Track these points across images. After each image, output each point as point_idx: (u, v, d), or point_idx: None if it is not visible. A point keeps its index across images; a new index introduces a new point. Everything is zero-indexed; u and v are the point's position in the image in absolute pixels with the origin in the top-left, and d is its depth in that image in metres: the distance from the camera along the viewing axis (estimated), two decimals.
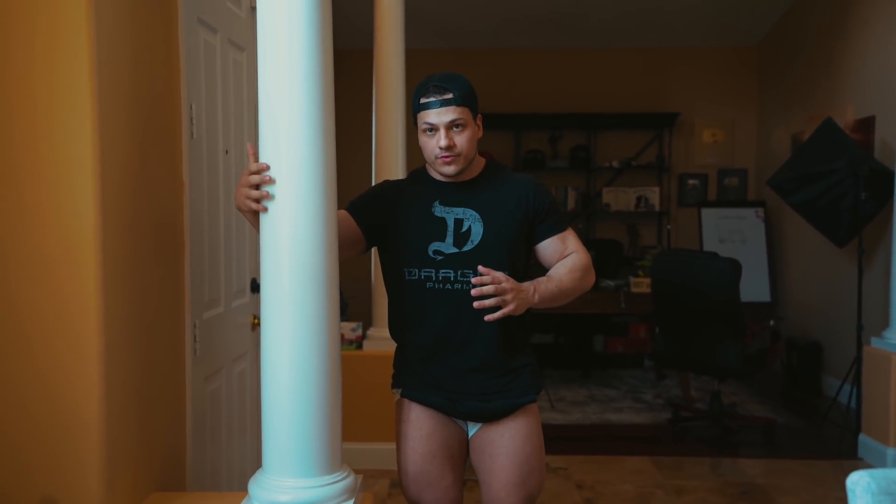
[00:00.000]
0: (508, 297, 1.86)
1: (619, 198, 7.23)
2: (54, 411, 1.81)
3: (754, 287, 6.64)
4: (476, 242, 1.98)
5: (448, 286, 1.98)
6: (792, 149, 6.43)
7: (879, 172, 4.76)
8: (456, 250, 1.99)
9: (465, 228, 1.99)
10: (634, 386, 6.05)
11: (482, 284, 1.85)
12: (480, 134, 2.01)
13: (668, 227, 7.14)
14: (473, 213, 2.00)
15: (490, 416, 2.02)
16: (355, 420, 3.98)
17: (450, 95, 1.93)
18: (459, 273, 1.98)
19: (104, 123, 1.83)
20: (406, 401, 2.08)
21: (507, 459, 2.01)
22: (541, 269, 2.12)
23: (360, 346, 4.26)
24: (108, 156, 1.85)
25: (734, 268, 4.46)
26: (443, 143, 1.93)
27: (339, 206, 1.91)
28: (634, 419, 5.13)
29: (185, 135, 2.33)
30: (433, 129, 1.95)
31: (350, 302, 4.92)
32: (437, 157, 1.96)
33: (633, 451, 4.45)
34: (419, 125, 1.99)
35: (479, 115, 2.02)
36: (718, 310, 4.50)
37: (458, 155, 1.96)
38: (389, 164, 4.18)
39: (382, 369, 4.00)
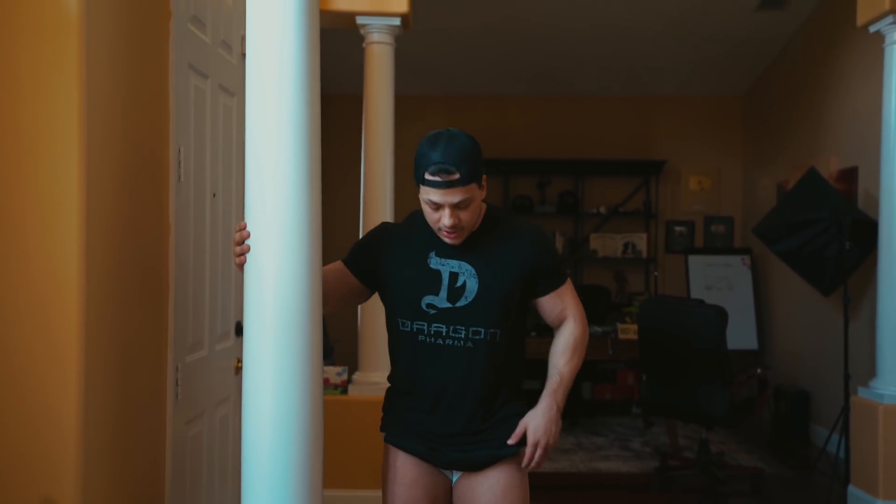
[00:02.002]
0: (546, 447, 1.96)
1: (606, 244, 7.27)
2: (31, 449, 1.78)
3: (741, 334, 6.65)
4: (469, 299, 1.94)
5: (440, 341, 1.95)
6: (777, 197, 6.51)
7: (863, 222, 4.81)
8: (449, 305, 1.94)
9: (459, 283, 1.95)
10: (622, 434, 6.01)
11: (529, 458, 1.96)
12: (485, 194, 1.94)
13: (656, 273, 7.16)
14: (469, 267, 1.95)
15: (470, 466, 2.00)
16: (340, 466, 3.93)
17: (456, 176, 1.83)
18: (452, 329, 1.94)
19: (91, 165, 1.83)
20: (391, 446, 2.06)
21: None
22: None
23: (345, 391, 4.22)
24: (94, 198, 1.85)
25: (720, 315, 4.47)
26: (447, 222, 1.87)
27: (324, 252, 1.91)
28: (622, 468, 5.08)
29: (173, 177, 2.33)
30: (438, 206, 1.88)
31: (336, 345, 4.89)
32: (439, 230, 1.91)
33: (621, 500, 4.40)
34: (421, 196, 1.90)
35: (485, 176, 1.92)
36: (705, 357, 4.49)
37: (462, 230, 1.91)
38: (378, 209, 4.19)
39: (367, 415, 3.97)
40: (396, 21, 4.16)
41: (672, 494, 4.62)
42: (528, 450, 1.95)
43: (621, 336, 6.04)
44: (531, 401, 2.03)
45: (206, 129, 2.62)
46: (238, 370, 2.91)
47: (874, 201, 4.97)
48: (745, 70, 6.96)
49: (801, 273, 5.29)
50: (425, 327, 1.96)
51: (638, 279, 7.35)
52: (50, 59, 1.79)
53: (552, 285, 2.02)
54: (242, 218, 3.03)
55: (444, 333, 1.95)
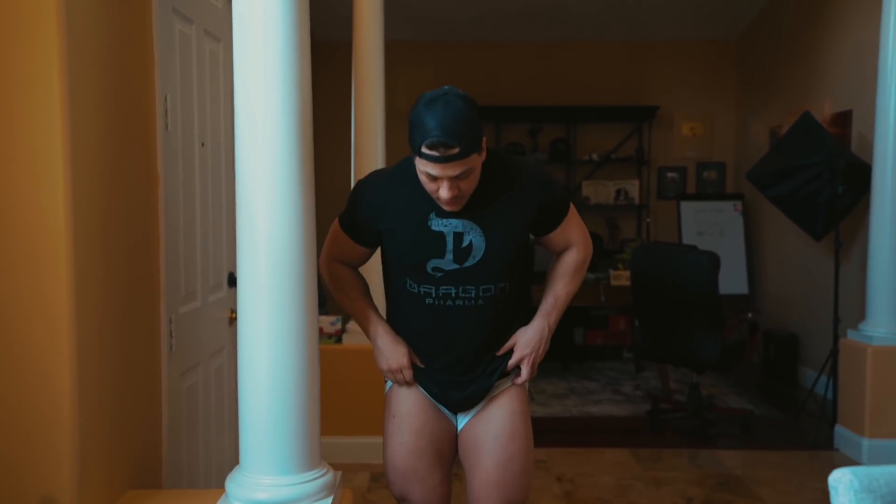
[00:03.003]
0: (533, 363, 1.99)
1: (598, 191, 7.24)
2: (27, 409, 1.77)
3: (732, 279, 6.69)
4: (478, 258, 1.88)
5: (449, 303, 1.91)
6: (770, 142, 6.47)
7: (856, 166, 4.80)
8: (457, 266, 1.88)
9: (465, 243, 1.87)
10: (614, 378, 6.08)
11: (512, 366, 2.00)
12: (484, 157, 1.83)
13: (648, 220, 7.16)
14: (474, 225, 1.87)
15: (470, 402, 1.99)
16: (334, 414, 3.96)
17: (455, 150, 1.72)
18: (461, 289, 1.90)
19: (75, 116, 1.79)
20: (395, 393, 2.04)
21: (488, 458, 1.96)
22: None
23: (339, 340, 4.23)
24: (79, 149, 1.81)
25: (713, 261, 4.48)
26: (446, 195, 1.78)
27: (316, 202, 1.87)
28: (614, 411, 5.15)
29: (160, 127, 2.28)
30: (436, 179, 1.78)
31: (329, 296, 4.89)
32: (437, 198, 1.82)
33: (613, 443, 4.47)
34: (418, 166, 1.79)
35: (484, 138, 1.82)
36: (697, 302, 4.52)
37: (461, 198, 1.82)
38: (369, 158, 4.15)
39: (362, 363, 4.00)
40: None
41: (664, 437, 4.69)
42: (512, 361, 1.98)
43: (613, 282, 6.07)
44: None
45: (192, 76, 2.56)
46: (232, 321, 2.90)
47: (868, 145, 4.94)
48: (739, 14, 6.85)
49: (794, 218, 5.30)
50: (433, 290, 1.91)
51: (630, 226, 7.35)
52: (26, 6, 1.73)
53: (557, 221, 1.99)
54: (232, 168, 3.01)
55: (453, 295, 1.91)
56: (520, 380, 1.99)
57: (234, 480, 1.83)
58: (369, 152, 4.16)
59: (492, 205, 1.89)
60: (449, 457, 2.04)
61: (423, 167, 1.78)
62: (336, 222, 2.06)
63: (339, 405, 3.92)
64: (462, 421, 2.03)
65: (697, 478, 3.94)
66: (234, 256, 2.94)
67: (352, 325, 4.24)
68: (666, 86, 7.27)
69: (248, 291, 1.80)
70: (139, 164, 2.17)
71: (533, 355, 1.97)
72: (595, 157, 7.23)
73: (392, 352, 1.99)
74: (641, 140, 7.25)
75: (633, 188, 7.23)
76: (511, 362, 1.98)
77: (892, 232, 4.14)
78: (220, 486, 2.78)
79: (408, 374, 1.98)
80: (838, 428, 4.40)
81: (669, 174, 7.38)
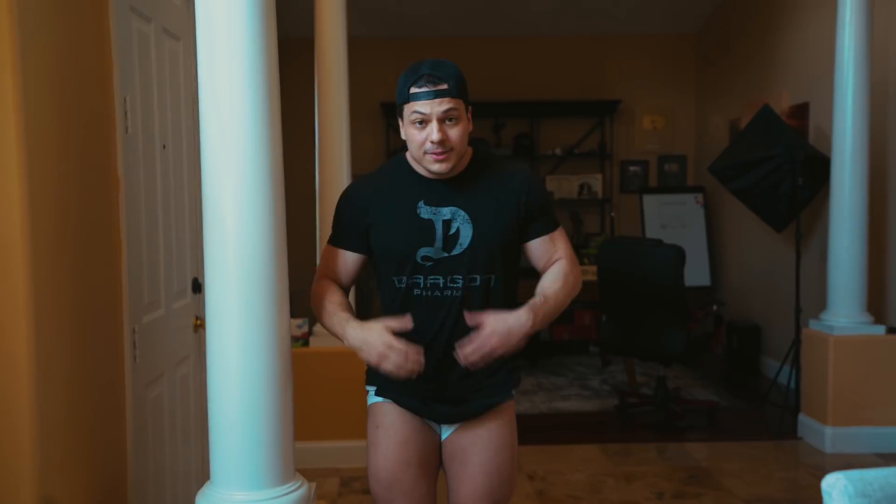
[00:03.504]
0: (497, 350, 1.77)
1: (562, 185, 7.26)
2: None
3: (694, 271, 6.75)
4: (465, 246, 1.86)
5: (437, 293, 1.88)
6: (730, 135, 6.55)
7: (815, 158, 4.87)
8: (445, 255, 1.86)
9: (453, 231, 1.86)
10: (581, 373, 6.10)
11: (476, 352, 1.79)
12: (471, 128, 1.86)
13: (612, 214, 7.20)
14: (462, 213, 1.86)
15: (462, 417, 1.95)
16: (302, 419, 3.87)
17: (444, 86, 1.77)
18: (449, 279, 1.87)
19: (30, 119, 1.71)
20: (380, 405, 1.98)
21: (477, 469, 1.93)
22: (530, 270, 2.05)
23: (306, 343, 4.17)
24: (36, 154, 1.73)
25: (679, 254, 4.51)
26: (435, 136, 1.76)
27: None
28: (582, 407, 5.16)
29: (120, 129, 2.20)
30: (424, 120, 1.78)
31: (295, 297, 4.81)
32: (426, 153, 1.80)
33: (582, 439, 4.47)
34: (406, 116, 1.81)
35: (471, 108, 1.87)
36: (664, 296, 4.55)
37: (451, 150, 1.80)
38: (333, 155, 4.09)
39: (330, 366, 3.95)
40: None
41: (632, 431, 4.72)
42: (474, 342, 1.76)
43: None
44: (520, 352, 1.89)
45: (151, 76, 2.47)
46: (197, 328, 2.82)
47: (825, 137, 5.02)
48: (698, 7, 6.92)
49: (756, 210, 5.36)
50: (421, 280, 1.88)
51: (594, 220, 7.38)
52: None
53: (545, 228, 1.94)
54: (195, 170, 2.93)
55: (441, 285, 1.87)
56: (463, 357, 1.77)
57: (205, 496, 1.77)
58: (334, 149, 4.09)
59: (480, 195, 1.89)
60: (434, 467, 1.99)
61: (412, 109, 1.79)
62: (326, 245, 2.03)
63: (307, 409, 3.85)
64: (447, 430, 1.98)
65: (667, 471, 3.96)
66: (197, 261, 2.89)
67: (318, 328, 4.18)
68: (627, 80, 7.31)
69: (217, 297, 1.73)
70: (99, 169, 2.09)
71: (492, 349, 1.77)
72: (558, 151, 7.24)
73: (367, 335, 1.78)
74: (604, 134, 7.28)
75: (596, 182, 7.27)
76: (471, 339, 1.76)
77: (851, 223, 4.21)
78: (189, 499, 2.72)
79: (397, 350, 1.74)
80: (802, 417, 4.47)
81: (632, 168, 7.43)
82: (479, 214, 1.87)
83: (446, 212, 1.87)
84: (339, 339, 1.89)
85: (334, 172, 4.11)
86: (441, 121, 1.78)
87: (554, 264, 1.96)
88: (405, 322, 1.81)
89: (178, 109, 2.71)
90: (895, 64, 4.38)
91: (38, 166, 1.74)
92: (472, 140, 1.93)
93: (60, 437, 1.83)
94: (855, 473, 1.20)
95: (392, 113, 7.08)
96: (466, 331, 1.86)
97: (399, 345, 1.76)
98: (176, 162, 2.68)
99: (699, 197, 7.06)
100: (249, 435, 1.72)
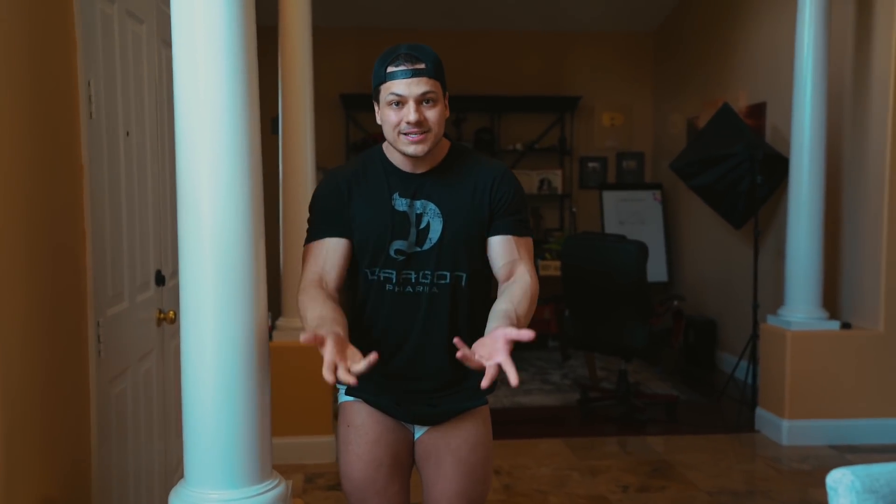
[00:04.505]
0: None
1: (522, 181, 7.16)
2: None
3: (652, 267, 6.80)
4: (434, 241, 1.80)
5: (409, 289, 1.83)
6: (688, 133, 6.64)
7: (772, 157, 4.96)
8: (418, 249, 1.81)
9: (423, 224, 1.81)
10: (541, 367, 6.13)
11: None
12: (448, 113, 1.81)
13: (573, 209, 7.24)
14: (433, 206, 1.81)
15: (437, 420, 1.91)
16: None
17: (422, 66, 1.73)
18: (420, 274, 1.81)
19: None
20: (351, 404, 1.93)
21: (451, 468, 1.90)
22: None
23: (269, 338, 4.08)
24: None
25: (641, 250, 4.55)
26: (412, 117, 1.71)
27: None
28: (544, 401, 5.18)
29: (84, 115, 2.11)
30: (401, 101, 1.73)
31: None
32: (402, 134, 1.74)
33: (546, 433, 4.49)
34: (383, 97, 1.75)
35: (447, 94, 1.81)
36: (626, 292, 4.58)
37: (428, 132, 1.74)
38: (297, 144, 4.02)
39: (293, 361, 3.87)
40: None
41: (594, 425, 4.75)
42: (507, 344, 1.57)
43: (540, 272, 6.11)
44: None
45: (115, 60, 2.38)
46: (160, 321, 2.74)
47: (781, 136, 5.13)
48: (657, 6, 6.99)
49: (715, 207, 5.45)
50: (393, 275, 1.82)
51: (553, 215, 7.42)
52: None
53: (511, 228, 1.83)
54: (159, 158, 2.83)
55: (412, 280, 1.82)
56: (513, 380, 1.56)
57: (179, 496, 1.70)
58: (298, 139, 4.02)
59: (454, 189, 1.83)
60: (407, 466, 1.96)
61: (389, 90, 1.74)
62: (304, 248, 1.90)
63: (272, 405, 3.78)
64: (420, 430, 1.95)
65: (630, 465, 4.00)
66: (161, 253, 2.80)
67: (281, 322, 4.11)
68: (587, 77, 7.35)
69: (192, 289, 1.66)
70: (62, 156, 2.00)
71: (508, 350, 1.60)
72: (519, 146, 7.25)
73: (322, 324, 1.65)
74: (564, 130, 7.32)
75: (556, 178, 7.30)
76: (508, 365, 1.56)
77: (808, 221, 4.30)
78: (151, 499, 2.64)
79: (328, 345, 1.54)
80: (759, 410, 4.56)
81: (591, 164, 7.48)
82: (450, 209, 1.82)
83: (418, 205, 1.82)
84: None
85: (298, 164, 4.03)
86: (418, 102, 1.73)
87: (518, 276, 1.80)
88: (379, 363, 1.59)
89: (142, 95, 2.62)
90: (851, 63, 4.48)
91: (1, 151, 1.65)
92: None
93: (23, 433, 1.75)
94: (861, 469, 1.20)
95: (352, 104, 7.00)
96: (439, 330, 1.82)
97: (329, 346, 1.55)
98: (140, 150, 2.58)
99: (657, 194, 7.15)
100: (225, 432, 1.66)
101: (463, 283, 1.85)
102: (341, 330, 1.65)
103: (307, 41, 4.03)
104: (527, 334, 1.57)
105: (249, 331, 1.67)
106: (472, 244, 1.84)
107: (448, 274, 1.83)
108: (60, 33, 2.01)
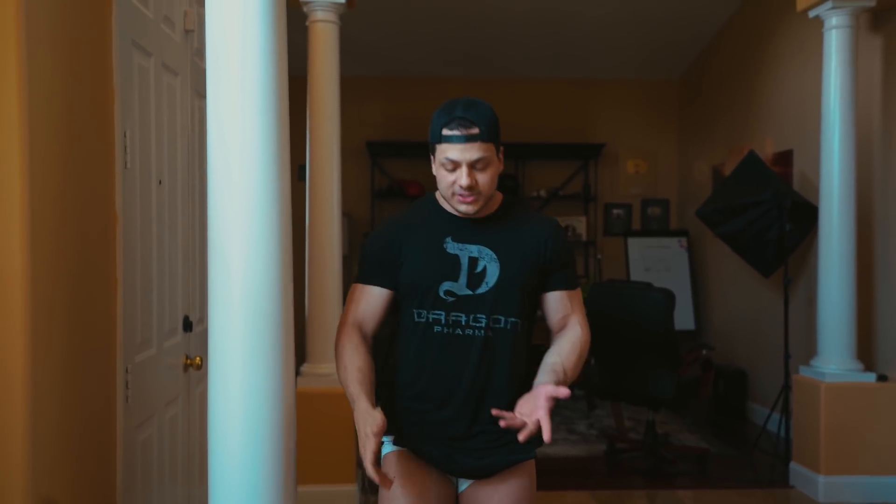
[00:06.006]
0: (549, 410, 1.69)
1: None
2: None
3: (679, 315, 6.70)
4: (491, 285, 1.83)
5: (459, 331, 1.83)
6: (713, 180, 6.62)
7: (801, 204, 4.92)
8: (469, 292, 1.83)
9: (479, 268, 1.84)
10: (567, 417, 6.04)
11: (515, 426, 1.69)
12: (502, 168, 1.86)
13: (599, 256, 7.21)
14: (489, 252, 1.85)
15: (483, 474, 1.89)
16: None
17: (476, 130, 1.77)
18: (472, 318, 1.83)
19: (35, 153, 1.66)
20: (396, 454, 1.91)
21: None
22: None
23: None
24: (38, 189, 1.67)
25: (668, 298, 4.51)
26: (464, 181, 1.77)
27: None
28: (570, 451, 5.09)
29: (119, 164, 2.15)
30: (455, 166, 1.79)
31: None
32: (454, 195, 1.81)
33: (572, 485, 4.40)
34: (438, 157, 1.82)
35: (502, 148, 1.86)
36: (653, 340, 4.53)
37: (479, 194, 1.80)
38: (324, 191, 4.05)
39: (317, 408, 3.86)
40: None
41: (621, 477, 4.65)
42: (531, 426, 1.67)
43: None
44: None
45: (150, 111, 2.43)
46: (187, 367, 2.74)
47: (810, 183, 5.09)
48: (680, 55, 7.05)
49: (744, 255, 5.39)
50: (443, 317, 1.84)
51: (578, 262, 7.39)
52: None
53: (565, 283, 1.92)
54: (189, 207, 2.87)
55: (463, 323, 1.83)
56: (547, 436, 1.67)
57: None
58: (325, 185, 4.06)
59: (507, 236, 1.88)
60: None
61: (443, 154, 1.79)
62: (352, 285, 1.99)
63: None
64: (464, 483, 1.93)
65: None
66: (189, 299, 2.82)
67: (306, 368, 4.10)
68: (611, 124, 7.39)
69: (221, 337, 1.66)
70: (98, 204, 2.03)
71: (548, 407, 1.70)
72: (543, 193, 7.27)
73: (366, 417, 1.75)
74: (588, 177, 7.34)
75: (580, 224, 7.29)
76: (545, 423, 1.67)
77: (840, 269, 4.23)
78: None
79: (371, 443, 1.69)
80: (793, 465, 4.44)
81: (615, 211, 7.47)
82: (506, 255, 1.85)
83: (473, 249, 1.85)
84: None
85: (325, 210, 4.07)
86: (471, 167, 1.78)
87: (569, 329, 1.91)
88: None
89: (175, 145, 2.67)
90: (879, 108, 4.46)
91: (39, 201, 1.68)
92: (503, 186, 1.93)
93: (52, 478, 1.74)
94: None
95: (378, 152, 7.09)
96: (494, 376, 1.83)
97: (371, 437, 1.69)
98: (171, 198, 2.62)
99: (683, 241, 7.10)
100: (251, 479, 1.65)
101: (519, 329, 1.87)
102: (371, 391, 1.82)
103: (335, 90, 4.10)
104: (564, 392, 1.70)
105: (277, 378, 1.67)
106: (528, 291, 1.88)
107: (503, 318, 1.85)
108: (100, 85, 2.06)
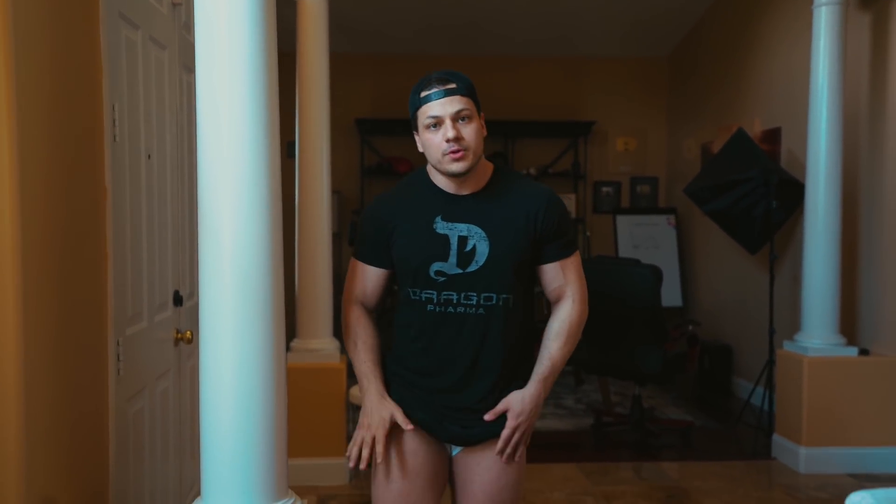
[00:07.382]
0: (525, 429, 1.91)
1: None
2: None
3: (667, 292, 6.77)
4: (481, 263, 1.85)
5: (451, 309, 1.87)
6: (701, 158, 6.65)
7: (788, 182, 4.96)
8: (459, 271, 1.85)
9: (469, 247, 1.85)
10: (555, 391, 6.10)
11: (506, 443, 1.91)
12: (485, 133, 1.86)
13: (588, 234, 7.25)
14: (479, 230, 1.86)
15: (469, 441, 1.94)
16: None
17: (453, 85, 1.80)
18: (463, 296, 1.86)
19: (23, 126, 1.66)
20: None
21: (478, 489, 1.93)
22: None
23: None
24: (28, 163, 1.68)
25: (656, 274, 4.55)
26: (450, 133, 1.77)
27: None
28: (558, 425, 5.16)
29: (108, 138, 2.16)
30: (438, 122, 1.80)
31: None
32: (444, 154, 1.80)
33: (560, 457, 4.46)
34: (421, 122, 1.83)
35: (483, 114, 1.87)
36: (641, 316, 4.57)
37: (467, 149, 1.80)
38: (314, 168, 4.06)
39: (307, 382, 3.89)
40: None
41: (608, 450, 4.72)
42: (506, 432, 1.89)
43: None
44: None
45: (138, 84, 2.43)
46: (178, 341, 2.76)
47: (797, 161, 5.13)
48: (671, 31, 7.04)
49: (730, 232, 5.44)
50: (434, 296, 1.87)
51: None
52: None
53: (558, 254, 1.91)
54: (178, 180, 2.87)
55: (454, 301, 1.86)
56: (504, 458, 1.91)
57: None
58: (314, 162, 4.06)
59: (499, 212, 1.88)
60: (442, 481, 1.98)
61: (425, 114, 1.81)
62: (352, 259, 2.04)
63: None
64: (456, 448, 1.98)
65: (645, 491, 3.96)
66: (179, 274, 2.83)
67: (296, 343, 4.12)
68: (601, 102, 7.39)
69: (212, 311, 1.69)
70: (87, 178, 2.04)
71: (526, 424, 1.90)
72: (533, 171, 7.28)
73: (377, 408, 1.90)
74: (577, 155, 7.35)
75: (570, 202, 7.31)
76: (504, 433, 1.89)
77: (825, 246, 4.28)
78: None
79: (379, 446, 1.87)
80: (776, 437, 4.51)
81: (604, 188, 7.50)
82: (496, 232, 1.86)
83: (462, 228, 1.86)
84: (358, 381, 1.99)
85: (314, 187, 4.07)
86: (454, 120, 1.80)
87: (561, 306, 1.94)
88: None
89: (163, 118, 2.67)
90: (866, 87, 4.49)
91: (29, 175, 1.69)
92: (491, 155, 1.94)
93: (44, 450, 1.77)
94: (880, 492, 1.20)
95: (367, 129, 7.07)
96: (491, 351, 1.88)
97: (380, 438, 1.87)
98: (160, 172, 2.63)
99: (671, 218, 7.15)
100: (242, 450, 1.68)
101: (510, 305, 1.89)
102: (379, 371, 1.97)
103: (324, 67, 4.09)
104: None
105: (268, 352, 1.69)
106: (519, 266, 1.89)
107: (495, 295, 1.87)
108: (87, 58, 2.06)
